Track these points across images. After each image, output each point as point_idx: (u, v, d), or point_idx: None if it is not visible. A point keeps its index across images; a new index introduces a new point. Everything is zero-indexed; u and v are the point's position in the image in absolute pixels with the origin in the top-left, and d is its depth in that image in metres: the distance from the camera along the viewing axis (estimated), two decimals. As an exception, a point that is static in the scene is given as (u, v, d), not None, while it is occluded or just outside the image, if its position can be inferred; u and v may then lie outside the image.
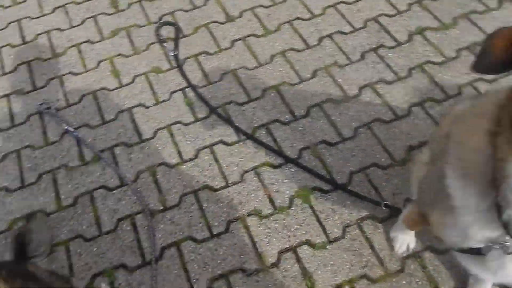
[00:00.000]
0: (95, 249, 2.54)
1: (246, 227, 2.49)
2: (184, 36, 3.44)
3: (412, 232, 2.21)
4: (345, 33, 3.29)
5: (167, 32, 3.49)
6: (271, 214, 2.51)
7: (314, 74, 3.07)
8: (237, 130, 2.85)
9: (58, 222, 2.66)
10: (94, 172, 2.84)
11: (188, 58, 3.31)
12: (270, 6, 3.54)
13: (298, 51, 3.22)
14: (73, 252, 2.55)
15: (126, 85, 3.24)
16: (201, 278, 2.36)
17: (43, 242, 2.54)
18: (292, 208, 2.51)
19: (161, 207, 2.64)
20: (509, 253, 1.25)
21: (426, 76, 2.98)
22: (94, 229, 2.61)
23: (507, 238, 1.15)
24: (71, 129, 3.01)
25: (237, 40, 3.36)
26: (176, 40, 3.39)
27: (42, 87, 3.31)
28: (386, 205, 2.32)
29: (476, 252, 1.29)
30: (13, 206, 2.76)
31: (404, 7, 3.40)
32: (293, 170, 2.64)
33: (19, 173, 2.90)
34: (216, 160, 2.77)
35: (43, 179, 2.85)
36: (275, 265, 2.34)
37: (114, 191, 2.74)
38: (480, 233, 1.21)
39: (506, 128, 1.04)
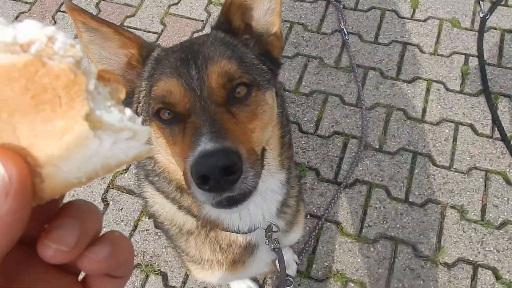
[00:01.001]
0: (303, 142, 2.81)
1: (443, 215, 2.45)
2: (507, 5, 3.20)
3: None
4: None
5: (488, -9, 3.28)
6: (475, 222, 2.41)
7: None
8: (497, 126, 2.68)
9: (288, 101, 2.98)
10: (340, 79, 3.03)
11: (495, 28, 3.11)
12: None
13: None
14: (285, 132, 2.86)
15: (417, 20, 3.23)
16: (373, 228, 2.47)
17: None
18: (500, 230, 2.36)
19: (377, 146, 2.73)
20: None
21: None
22: (312, 126, 2.86)
23: None
24: (345, 31, 3.20)
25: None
26: (495, 3, 3.18)
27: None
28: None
29: None
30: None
31: None
32: (528, 199, 2.44)
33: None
34: (455, 139, 2.69)
35: (298, 60, 3.15)
36: (447, 265, 2.30)
37: (346, 106, 2.91)
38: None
39: None
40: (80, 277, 0.45)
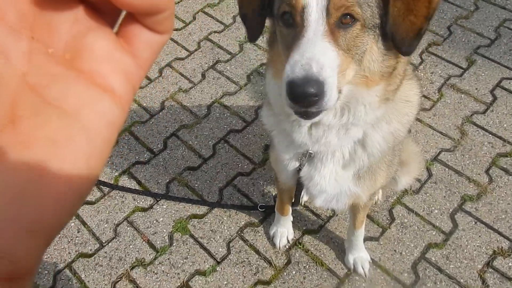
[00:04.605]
0: None
1: (133, 282, 2.53)
2: None
3: (289, 223, 2.47)
4: (182, 58, 3.54)
5: None
6: (155, 258, 2.60)
7: (162, 106, 3.26)
8: (98, 184, 2.91)
9: None
10: None
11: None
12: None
13: (141, 87, 3.39)
14: None
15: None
16: None
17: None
18: (173, 245, 2.63)
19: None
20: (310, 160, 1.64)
21: (264, 78, 3.32)
22: None
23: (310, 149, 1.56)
24: None
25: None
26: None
27: None
28: (261, 207, 2.54)
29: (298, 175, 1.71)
30: None
31: (230, 20, 3.77)
32: (164, 206, 2.78)
33: None
34: (84, 224, 2.78)
35: None
36: (171, 307, 2.42)
37: None
38: (288, 150, 1.66)
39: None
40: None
